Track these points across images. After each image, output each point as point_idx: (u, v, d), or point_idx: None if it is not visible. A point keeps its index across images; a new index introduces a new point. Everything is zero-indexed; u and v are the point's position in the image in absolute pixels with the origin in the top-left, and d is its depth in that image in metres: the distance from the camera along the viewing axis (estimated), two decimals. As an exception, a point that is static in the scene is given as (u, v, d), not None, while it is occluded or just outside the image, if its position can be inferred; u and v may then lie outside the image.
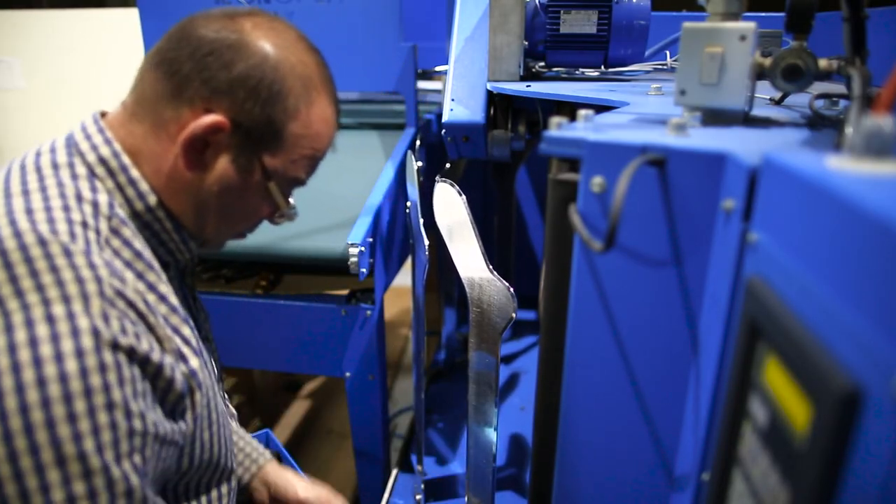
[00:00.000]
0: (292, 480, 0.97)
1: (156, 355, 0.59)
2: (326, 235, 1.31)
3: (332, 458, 2.06)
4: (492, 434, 1.07)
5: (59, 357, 0.52)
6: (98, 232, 0.60)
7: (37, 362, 0.52)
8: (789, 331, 0.35)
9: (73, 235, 0.57)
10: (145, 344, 0.58)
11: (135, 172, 0.65)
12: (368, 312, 1.30)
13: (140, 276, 0.63)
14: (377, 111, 1.99)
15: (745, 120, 0.64)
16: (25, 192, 0.60)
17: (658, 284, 0.53)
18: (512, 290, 0.98)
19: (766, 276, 0.40)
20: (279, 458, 1.17)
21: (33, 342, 0.52)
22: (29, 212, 0.57)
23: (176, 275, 0.74)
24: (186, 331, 0.67)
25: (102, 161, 0.64)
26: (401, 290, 1.97)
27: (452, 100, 1.19)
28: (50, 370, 0.52)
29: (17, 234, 0.55)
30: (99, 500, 0.53)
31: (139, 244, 0.64)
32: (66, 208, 0.59)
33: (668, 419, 0.57)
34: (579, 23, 1.18)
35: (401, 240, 1.53)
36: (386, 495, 1.41)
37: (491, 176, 1.94)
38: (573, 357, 0.59)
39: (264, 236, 1.33)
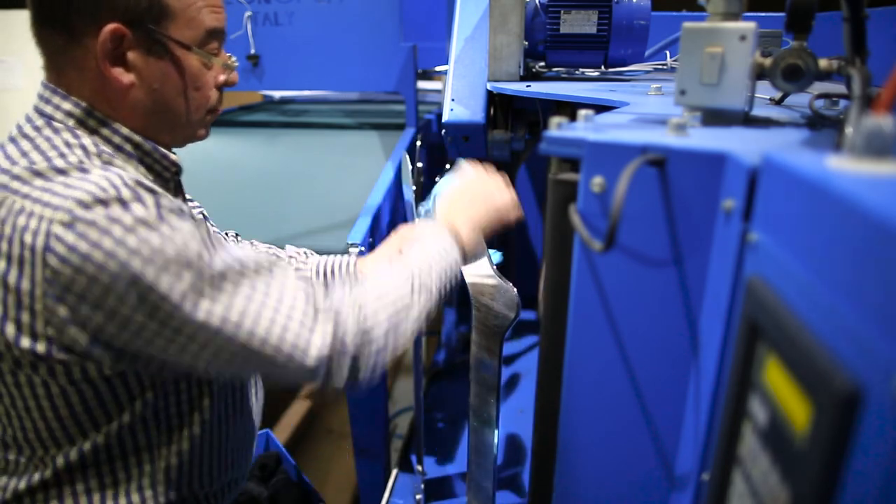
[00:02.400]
0: None
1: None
2: (326, 235, 1.31)
3: (332, 458, 2.05)
4: (492, 434, 1.06)
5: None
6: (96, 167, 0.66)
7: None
8: (789, 331, 0.35)
9: (74, 165, 0.65)
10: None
11: (98, 113, 0.71)
12: (368, 312, 1.29)
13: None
14: (377, 111, 1.99)
15: (745, 120, 0.64)
16: (24, 154, 0.67)
17: (658, 284, 0.53)
18: (515, 290, 0.98)
19: (766, 276, 0.40)
20: (279, 460, 1.17)
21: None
22: (32, 163, 0.65)
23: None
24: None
25: (69, 114, 0.71)
26: (401, 290, 1.97)
27: (452, 100, 1.19)
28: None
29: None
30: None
31: (132, 171, 0.70)
32: (63, 155, 0.66)
33: (668, 419, 0.57)
34: (579, 23, 1.17)
35: (401, 240, 1.52)
36: (386, 495, 1.41)
37: (491, 176, 1.94)
38: (573, 357, 0.59)
39: (264, 236, 1.33)
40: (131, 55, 0.69)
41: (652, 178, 0.50)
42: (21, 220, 0.62)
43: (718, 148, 0.48)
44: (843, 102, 0.73)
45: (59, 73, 0.71)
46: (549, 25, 1.18)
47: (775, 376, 0.37)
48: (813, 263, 0.35)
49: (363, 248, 1.22)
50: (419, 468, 1.35)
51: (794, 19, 0.63)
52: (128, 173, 0.65)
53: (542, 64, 1.27)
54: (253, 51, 1.68)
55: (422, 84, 1.97)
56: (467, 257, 0.86)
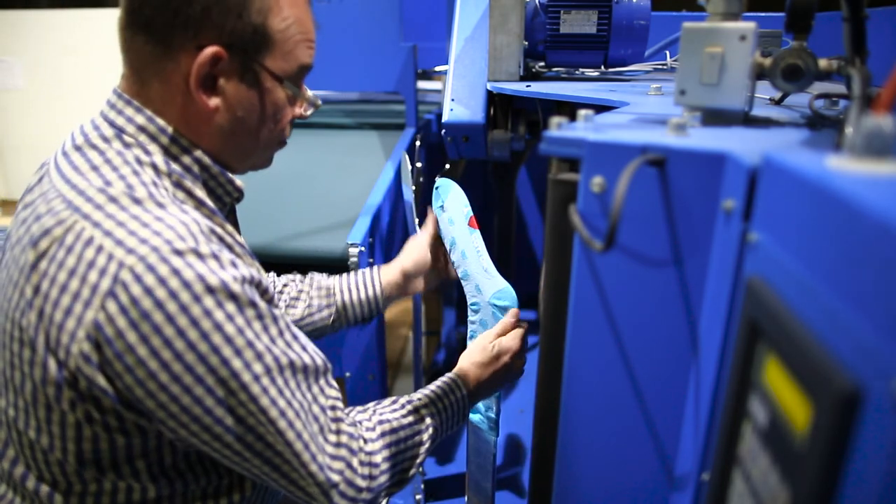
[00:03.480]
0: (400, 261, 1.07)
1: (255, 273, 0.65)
2: (326, 235, 1.31)
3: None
4: (492, 435, 1.07)
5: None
6: (166, 189, 0.66)
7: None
8: (789, 331, 0.35)
9: (151, 195, 0.64)
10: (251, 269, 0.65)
11: (171, 130, 0.69)
12: (368, 312, 1.29)
13: (207, 219, 0.67)
14: (377, 111, 1.99)
15: (745, 120, 0.64)
16: (94, 168, 0.65)
17: (658, 284, 0.53)
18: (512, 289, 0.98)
19: (766, 276, 0.40)
20: None
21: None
22: (107, 184, 0.63)
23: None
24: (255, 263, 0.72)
25: (142, 129, 0.68)
26: (401, 290, 1.96)
27: (452, 100, 1.19)
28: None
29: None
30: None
31: (200, 193, 0.70)
32: (136, 173, 0.65)
33: (668, 419, 0.57)
34: (579, 23, 1.18)
35: (401, 240, 1.53)
36: (386, 495, 1.41)
37: (491, 176, 1.94)
38: (573, 357, 0.59)
39: (264, 236, 1.33)
40: (222, 80, 0.68)
41: (652, 178, 0.50)
42: (89, 254, 0.59)
43: (718, 148, 0.48)
44: (843, 102, 0.74)
45: (142, 83, 0.68)
46: (549, 25, 1.18)
47: (775, 376, 0.37)
48: (813, 263, 0.35)
49: (363, 248, 1.22)
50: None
51: (794, 19, 0.63)
52: (203, 220, 0.64)
53: (542, 64, 1.27)
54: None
55: (422, 84, 1.98)
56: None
